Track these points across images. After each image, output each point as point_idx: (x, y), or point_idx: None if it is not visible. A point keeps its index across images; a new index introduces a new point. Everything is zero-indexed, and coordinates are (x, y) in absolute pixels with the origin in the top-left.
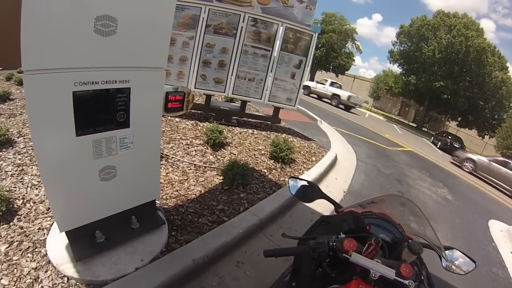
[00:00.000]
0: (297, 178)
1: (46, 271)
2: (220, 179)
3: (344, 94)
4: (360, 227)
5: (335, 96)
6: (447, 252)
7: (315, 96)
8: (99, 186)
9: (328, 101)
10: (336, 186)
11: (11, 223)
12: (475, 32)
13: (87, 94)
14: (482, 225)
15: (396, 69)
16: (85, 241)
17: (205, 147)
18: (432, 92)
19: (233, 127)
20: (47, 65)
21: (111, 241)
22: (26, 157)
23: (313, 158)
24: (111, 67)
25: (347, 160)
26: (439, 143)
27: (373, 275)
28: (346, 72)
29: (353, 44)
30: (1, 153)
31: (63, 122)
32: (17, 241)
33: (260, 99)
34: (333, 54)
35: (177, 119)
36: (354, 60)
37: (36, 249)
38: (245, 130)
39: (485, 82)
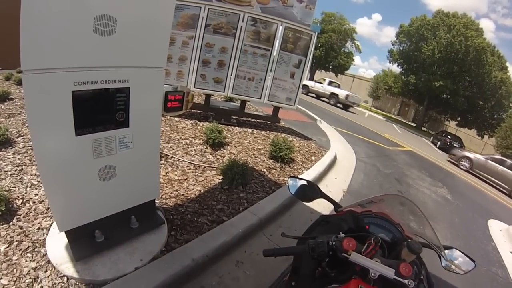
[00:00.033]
0: (297, 177)
1: (46, 271)
2: (219, 179)
3: (342, 93)
4: (359, 227)
5: (333, 95)
6: (446, 251)
7: (314, 95)
8: (98, 185)
9: (327, 100)
10: (336, 186)
11: (11, 223)
12: (475, 32)
13: (86, 94)
14: (482, 224)
15: (395, 68)
16: (84, 241)
17: (204, 146)
18: (431, 92)
19: (233, 127)
20: (46, 65)
21: (111, 241)
22: (25, 156)
23: (313, 158)
24: (111, 67)
25: (347, 159)
26: (439, 143)
27: (372, 274)
28: (345, 71)
29: (353, 44)
30: (1, 152)
31: (63, 121)
32: (16, 241)
33: (260, 98)
34: (332, 54)
35: (176, 119)
36: (353, 59)
37: (36, 249)
38: (245, 129)
39: (484, 81)
